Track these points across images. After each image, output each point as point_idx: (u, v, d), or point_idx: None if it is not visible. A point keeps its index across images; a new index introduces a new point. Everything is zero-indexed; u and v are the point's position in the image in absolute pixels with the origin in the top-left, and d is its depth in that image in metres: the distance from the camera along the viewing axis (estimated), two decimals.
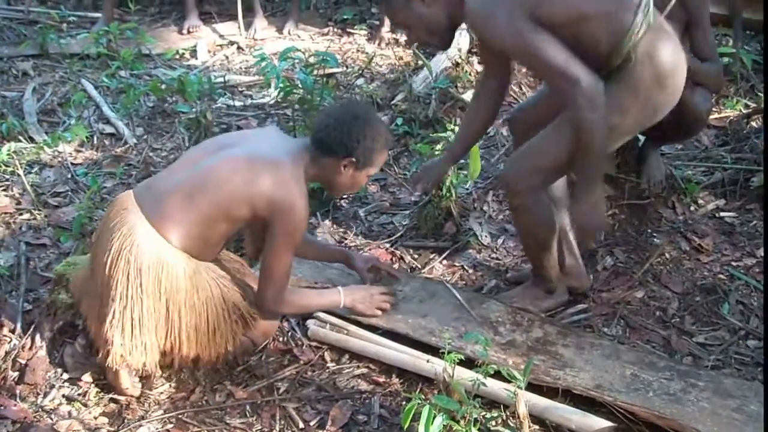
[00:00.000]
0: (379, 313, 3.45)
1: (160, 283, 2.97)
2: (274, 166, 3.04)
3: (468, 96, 5.34)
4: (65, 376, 3.32)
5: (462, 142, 3.73)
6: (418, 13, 3.24)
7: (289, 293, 3.22)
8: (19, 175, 4.35)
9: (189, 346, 3.10)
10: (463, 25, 5.93)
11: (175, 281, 2.99)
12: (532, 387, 3.01)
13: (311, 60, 4.94)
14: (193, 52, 6.50)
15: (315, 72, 4.93)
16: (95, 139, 5.07)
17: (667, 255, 3.96)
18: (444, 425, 2.75)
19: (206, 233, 3.07)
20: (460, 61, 5.66)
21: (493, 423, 2.95)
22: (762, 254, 3.93)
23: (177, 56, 6.43)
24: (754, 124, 4.77)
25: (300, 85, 4.81)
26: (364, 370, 3.32)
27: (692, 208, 4.27)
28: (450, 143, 3.95)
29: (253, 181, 3.00)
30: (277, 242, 3.07)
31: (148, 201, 3.05)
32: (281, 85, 4.84)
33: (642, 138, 4.56)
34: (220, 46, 6.66)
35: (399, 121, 5.02)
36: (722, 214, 4.22)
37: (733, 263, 3.92)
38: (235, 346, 3.23)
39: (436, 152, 4.14)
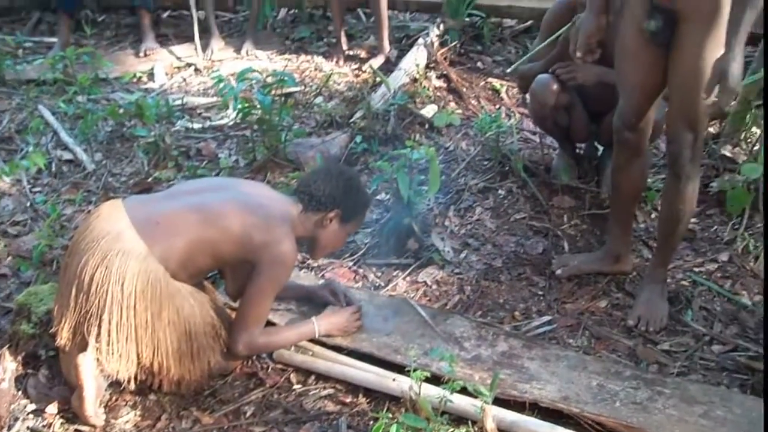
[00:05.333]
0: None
1: (144, 294, 2.96)
2: (269, 214, 3.17)
3: (426, 111, 5.35)
4: (29, 407, 3.27)
5: None
6: None
7: (262, 336, 3.26)
8: None
9: (176, 367, 3.10)
10: (420, 41, 5.97)
11: (158, 295, 2.99)
12: (499, 401, 3.02)
13: (269, 80, 4.93)
14: (151, 75, 6.46)
15: (273, 92, 4.93)
16: (53, 166, 5.02)
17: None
18: None
19: (188, 262, 3.10)
20: (418, 76, 5.69)
21: None
22: (723, 259, 3.98)
23: (134, 79, 6.39)
24: (711, 129, 4.81)
25: (258, 106, 4.80)
26: (331, 391, 3.30)
27: (653, 216, 4.30)
28: None
29: (249, 225, 3.11)
30: (262, 286, 3.16)
31: (139, 214, 3.07)
32: (239, 106, 4.84)
33: (601, 148, 4.59)
34: (178, 68, 6.62)
35: (358, 138, 5.02)
36: None
37: (695, 269, 3.96)
38: (213, 367, 3.24)
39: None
